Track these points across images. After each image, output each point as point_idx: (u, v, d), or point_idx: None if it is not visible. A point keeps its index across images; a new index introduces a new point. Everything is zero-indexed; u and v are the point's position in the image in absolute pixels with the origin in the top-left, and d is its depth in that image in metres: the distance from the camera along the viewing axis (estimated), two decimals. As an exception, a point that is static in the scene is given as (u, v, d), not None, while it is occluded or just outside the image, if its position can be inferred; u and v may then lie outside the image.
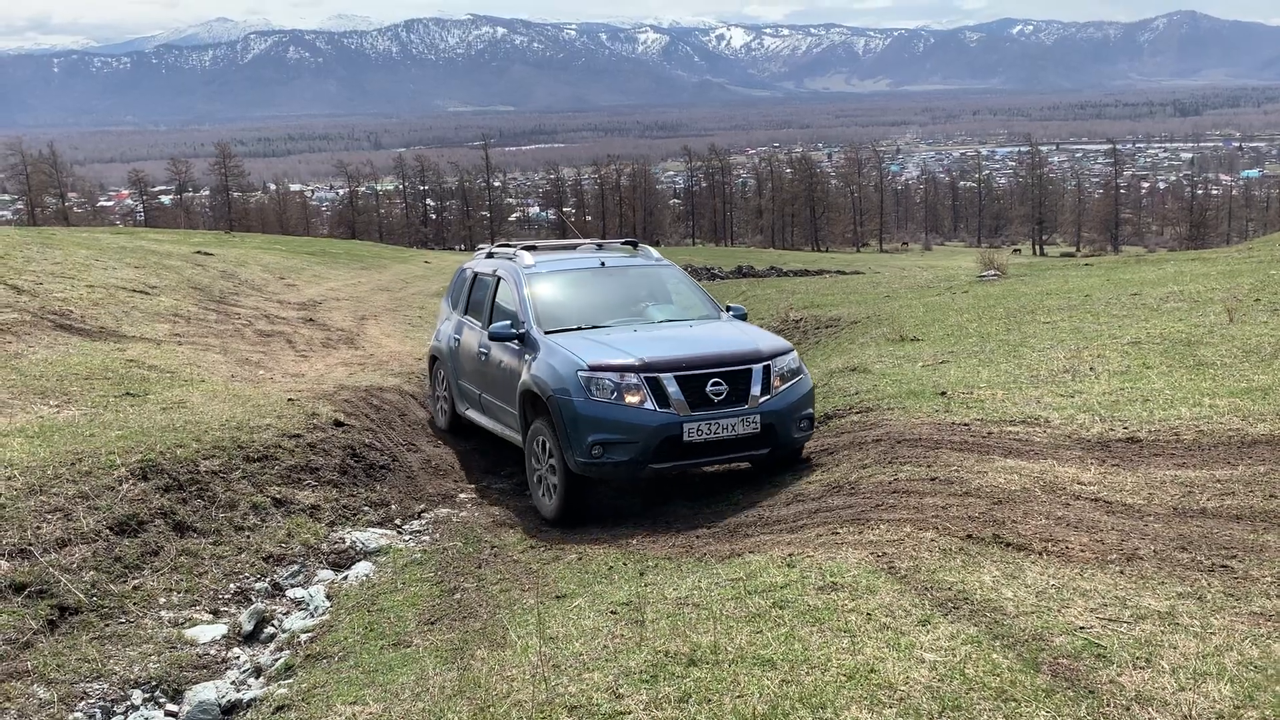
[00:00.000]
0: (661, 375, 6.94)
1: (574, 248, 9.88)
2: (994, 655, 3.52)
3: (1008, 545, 4.74)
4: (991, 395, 8.47)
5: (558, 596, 5.54)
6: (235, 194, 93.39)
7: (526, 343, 7.91)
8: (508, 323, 8.17)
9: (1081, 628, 3.71)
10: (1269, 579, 4.15)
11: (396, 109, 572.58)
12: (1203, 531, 4.80)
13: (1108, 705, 3.14)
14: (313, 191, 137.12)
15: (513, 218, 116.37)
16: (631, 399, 6.92)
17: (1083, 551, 4.61)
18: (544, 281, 8.56)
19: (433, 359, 10.39)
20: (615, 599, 4.94)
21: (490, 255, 9.83)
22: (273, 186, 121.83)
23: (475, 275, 9.72)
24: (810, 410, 7.57)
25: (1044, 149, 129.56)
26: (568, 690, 3.68)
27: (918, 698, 3.28)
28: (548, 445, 7.33)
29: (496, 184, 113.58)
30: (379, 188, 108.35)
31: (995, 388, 8.82)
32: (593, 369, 7.03)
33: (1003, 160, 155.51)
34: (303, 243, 37.96)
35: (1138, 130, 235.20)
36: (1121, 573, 4.35)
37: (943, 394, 8.67)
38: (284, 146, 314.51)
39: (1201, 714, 3.04)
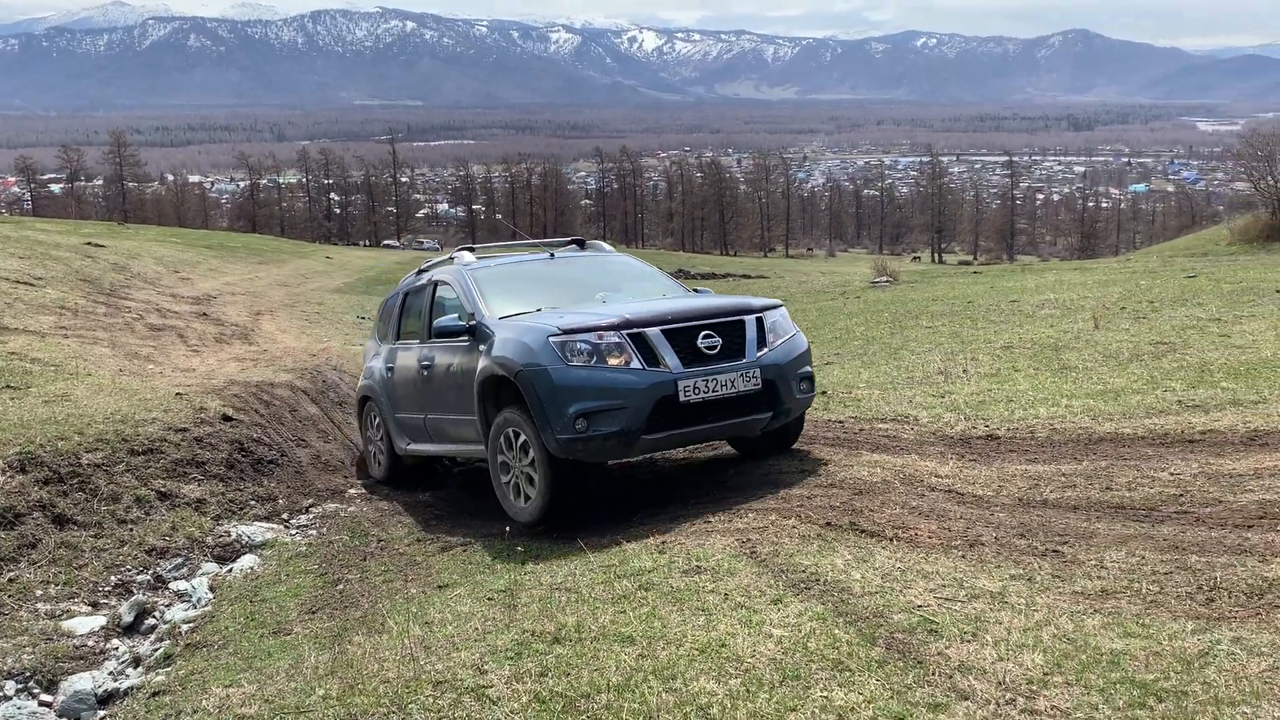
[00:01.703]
0: (646, 330, 6.09)
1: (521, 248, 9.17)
2: (836, 630, 3.79)
3: (862, 532, 5.04)
4: (869, 395, 8.86)
5: (440, 586, 5.68)
6: (130, 184, 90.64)
7: (479, 335, 6.82)
8: (454, 316, 7.11)
9: (919, 606, 4.01)
10: (1092, 562, 4.51)
11: (301, 101, 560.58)
12: (1042, 520, 5.17)
13: (933, 674, 3.42)
14: (212, 183, 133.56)
15: (420, 214, 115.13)
16: (615, 360, 6.02)
17: (930, 538, 4.94)
18: (491, 273, 7.61)
19: (363, 401, 9.25)
20: (494, 587, 5.11)
21: (421, 271, 8.66)
22: (170, 177, 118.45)
23: (406, 296, 8.58)
24: (810, 369, 6.79)
25: (945, 160, 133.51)
26: (435, 668, 3.85)
27: (762, 669, 3.52)
28: (520, 436, 6.37)
29: (404, 179, 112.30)
30: (282, 180, 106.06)
31: (873, 388, 9.23)
32: (566, 332, 6.08)
33: (905, 170, 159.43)
34: (200, 235, 37.09)
35: (1034, 143, 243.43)
36: (963, 557, 4.68)
37: (823, 393, 9.03)
38: (183, 136, 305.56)
39: (1015, 680, 3.34)
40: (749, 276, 34.19)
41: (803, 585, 4.30)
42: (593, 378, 5.97)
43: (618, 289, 7.57)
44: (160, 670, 5.17)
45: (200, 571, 6.77)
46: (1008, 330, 12.00)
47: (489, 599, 4.85)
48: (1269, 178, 24.49)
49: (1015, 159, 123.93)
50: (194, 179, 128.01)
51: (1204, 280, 15.44)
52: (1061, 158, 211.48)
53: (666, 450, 7.03)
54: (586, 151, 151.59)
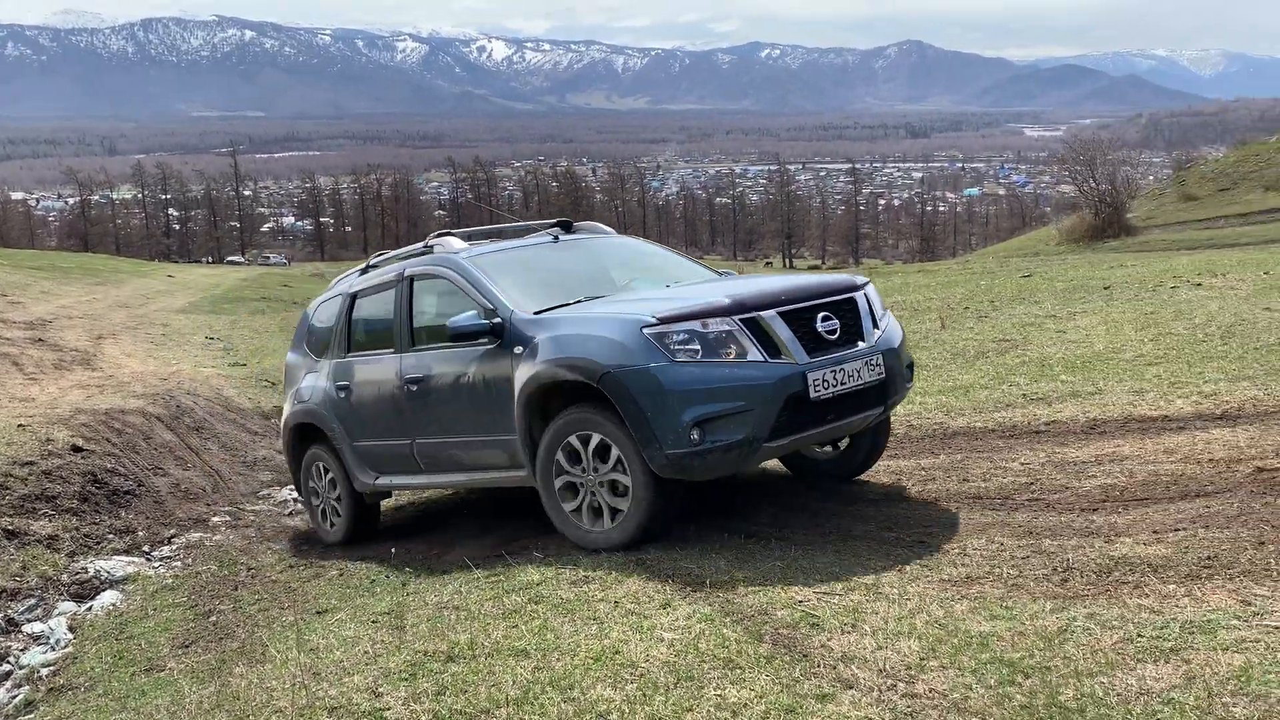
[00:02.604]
0: (762, 314, 5.06)
1: (497, 234, 7.32)
2: (724, 630, 3.92)
3: (743, 534, 5.22)
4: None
5: (319, 612, 5.58)
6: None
7: (507, 335, 5.51)
8: (473, 313, 5.63)
9: (800, 601, 4.18)
10: (956, 550, 4.79)
11: (135, 113, 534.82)
12: (906, 513, 5.45)
13: (818, 665, 3.58)
14: (38, 200, 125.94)
15: (265, 228, 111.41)
16: (728, 352, 4.96)
17: (805, 534, 5.15)
18: (500, 261, 6.21)
19: (297, 432, 7.48)
20: (377, 609, 5.05)
21: (369, 269, 7.13)
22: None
23: (355, 297, 7.04)
24: (911, 357, 6.10)
25: (792, 168, 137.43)
26: (328, 694, 3.80)
27: (656, 672, 3.62)
28: (597, 452, 5.14)
29: (247, 193, 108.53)
30: (115, 196, 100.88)
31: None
32: (664, 320, 4.95)
33: (755, 178, 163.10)
34: (28, 256, 35.01)
35: (875, 151, 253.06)
36: (838, 552, 4.90)
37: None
38: (3, 151, 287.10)
39: (894, 667, 3.53)
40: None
41: (689, 588, 4.42)
42: (710, 375, 4.89)
43: (645, 272, 6.48)
44: (23, 717, 4.91)
45: (56, 612, 6.45)
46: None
47: (374, 622, 4.80)
48: (1091, 181, 26.23)
49: (858, 166, 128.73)
50: (17, 196, 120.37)
51: (1039, 279, 16.43)
52: (901, 164, 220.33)
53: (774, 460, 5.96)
54: (438, 161, 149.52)
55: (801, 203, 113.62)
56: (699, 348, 4.91)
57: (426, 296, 6.40)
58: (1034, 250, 30.47)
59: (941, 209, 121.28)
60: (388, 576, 6.09)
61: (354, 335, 7.02)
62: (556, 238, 6.76)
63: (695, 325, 4.94)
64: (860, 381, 5.23)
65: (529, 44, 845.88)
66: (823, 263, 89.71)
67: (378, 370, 6.61)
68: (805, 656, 3.66)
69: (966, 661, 3.48)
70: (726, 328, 4.96)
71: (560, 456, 5.26)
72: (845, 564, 4.71)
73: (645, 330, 4.92)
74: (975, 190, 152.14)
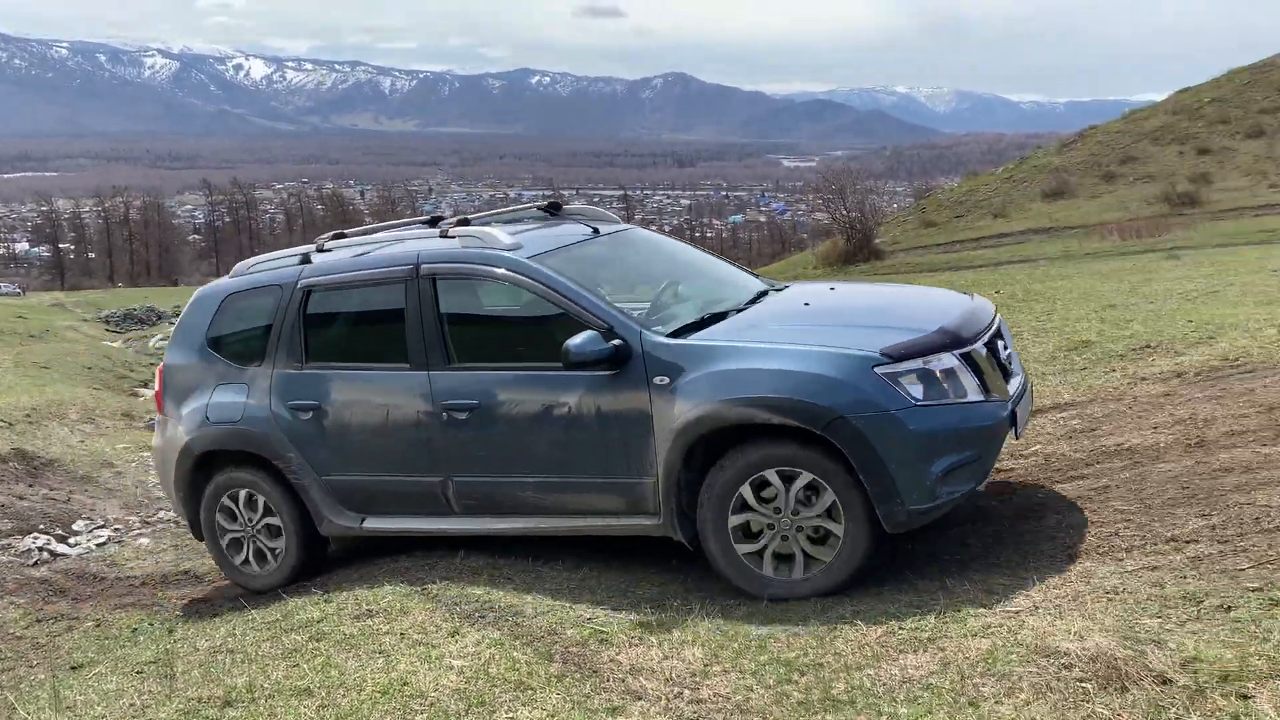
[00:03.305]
0: (973, 348, 4.63)
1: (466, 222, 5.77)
2: (514, 653, 3.93)
3: (530, 557, 5.25)
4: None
5: (73, 667, 5.19)
6: None
7: (636, 362, 4.70)
8: (593, 335, 4.68)
9: (589, 619, 4.26)
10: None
11: None
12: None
13: (608, 680, 3.67)
14: None
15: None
16: (953, 391, 4.46)
17: (594, 554, 5.24)
18: (569, 261, 5.28)
19: (200, 459, 5.93)
20: (141, 659, 4.75)
21: (319, 251, 5.85)
22: None
23: (310, 292, 5.63)
24: None
25: (567, 192, 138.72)
26: (90, 753, 3.54)
27: (446, 701, 3.59)
28: (801, 494, 4.42)
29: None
30: None
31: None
32: (894, 358, 4.39)
33: (529, 203, 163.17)
34: None
35: (645, 179, 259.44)
36: (626, 568, 5.02)
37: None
38: None
39: (680, 675, 3.66)
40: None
41: (477, 615, 4.41)
42: (949, 421, 4.38)
43: (684, 276, 5.80)
44: None
45: None
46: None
47: (139, 673, 4.51)
48: (842, 209, 27.98)
49: (630, 193, 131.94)
50: None
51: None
52: (670, 191, 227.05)
53: None
54: (193, 183, 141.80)
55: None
56: (924, 388, 4.38)
57: (466, 300, 5.39)
58: (794, 273, 32.13)
59: (709, 234, 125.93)
60: (151, 624, 5.72)
61: (313, 341, 5.66)
62: (596, 230, 5.88)
63: (919, 363, 4.42)
64: (1026, 415, 4.95)
65: (290, 63, 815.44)
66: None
67: (379, 390, 5.45)
68: (595, 672, 3.73)
69: (747, 664, 3.65)
70: (951, 364, 4.47)
71: (746, 495, 4.50)
72: (634, 579, 4.83)
73: (877, 369, 4.35)
74: (739, 217, 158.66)
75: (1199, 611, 3.47)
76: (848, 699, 3.27)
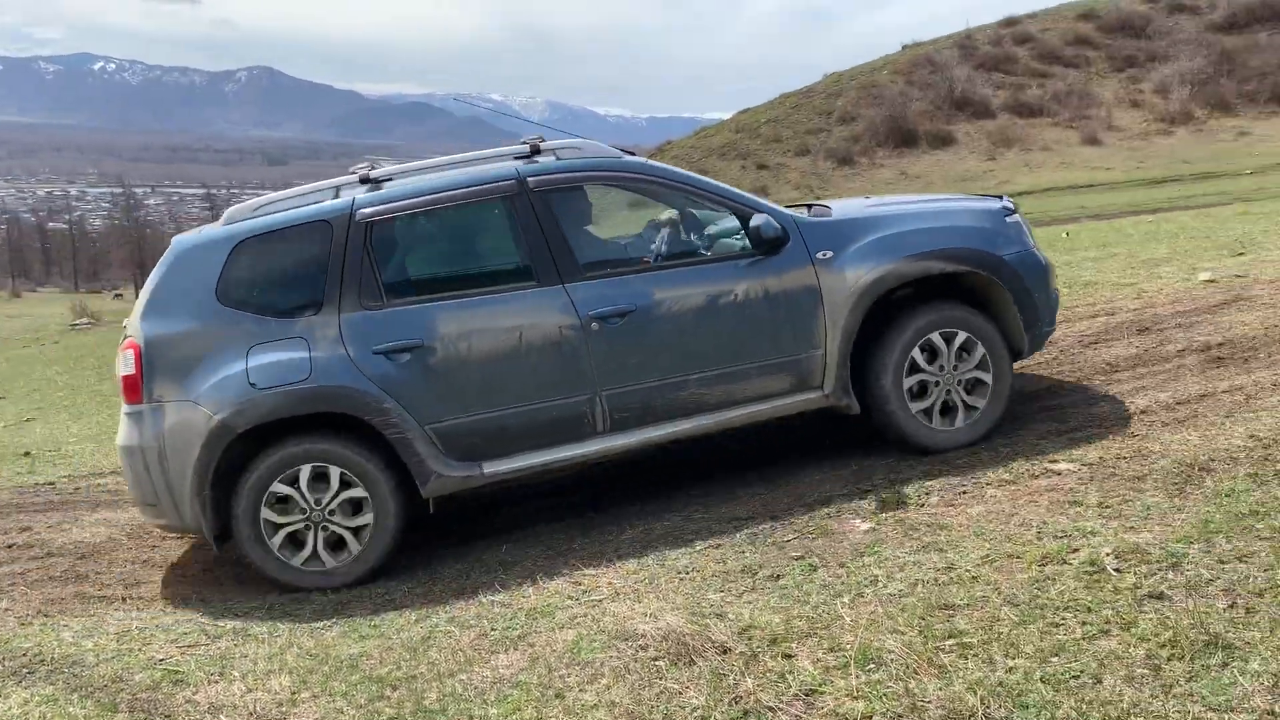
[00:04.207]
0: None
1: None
2: (71, 709, 3.52)
3: (91, 598, 4.73)
4: (82, 450, 8.20)
5: None
6: None
7: (792, 242, 5.03)
8: (765, 218, 4.96)
9: (161, 660, 3.91)
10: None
11: None
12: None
13: (184, 722, 3.39)
14: None
15: None
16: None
17: (165, 590, 4.83)
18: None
19: (235, 443, 4.75)
20: None
21: (363, 183, 5.12)
22: None
23: (372, 226, 4.93)
24: None
25: (140, 191, 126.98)
26: None
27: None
28: (960, 350, 5.16)
29: None
30: None
31: (86, 441, 8.56)
32: (1011, 209, 5.49)
33: (96, 201, 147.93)
34: None
35: (232, 176, 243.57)
36: (203, 600, 4.68)
37: (27, 454, 8.13)
38: None
39: (265, 707, 3.46)
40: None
41: (26, 670, 3.90)
42: (1042, 258, 5.45)
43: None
44: None
45: None
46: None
47: None
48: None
49: (214, 192, 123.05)
50: None
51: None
52: (260, 190, 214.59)
53: None
54: None
55: (154, 229, 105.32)
56: (1027, 231, 5.46)
57: (585, 210, 5.27)
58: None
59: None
60: None
61: (390, 277, 4.97)
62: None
63: (1019, 214, 5.49)
64: None
65: None
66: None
67: (503, 313, 4.91)
68: (168, 715, 3.44)
69: (338, 686, 3.54)
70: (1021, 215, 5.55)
71: (916, 356, 5.09)
72: (215, 611, 4.52)
73: (1008, 219, 5.35)
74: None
75: (754, 582, 3.86)
76: (439, 707, 3.27)
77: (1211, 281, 7.56)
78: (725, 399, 5.07)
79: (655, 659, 3.28)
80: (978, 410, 5.17)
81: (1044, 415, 5.38)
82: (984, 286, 5.20)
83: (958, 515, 4.15)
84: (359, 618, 4.28)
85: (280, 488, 4.72)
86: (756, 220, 4.95)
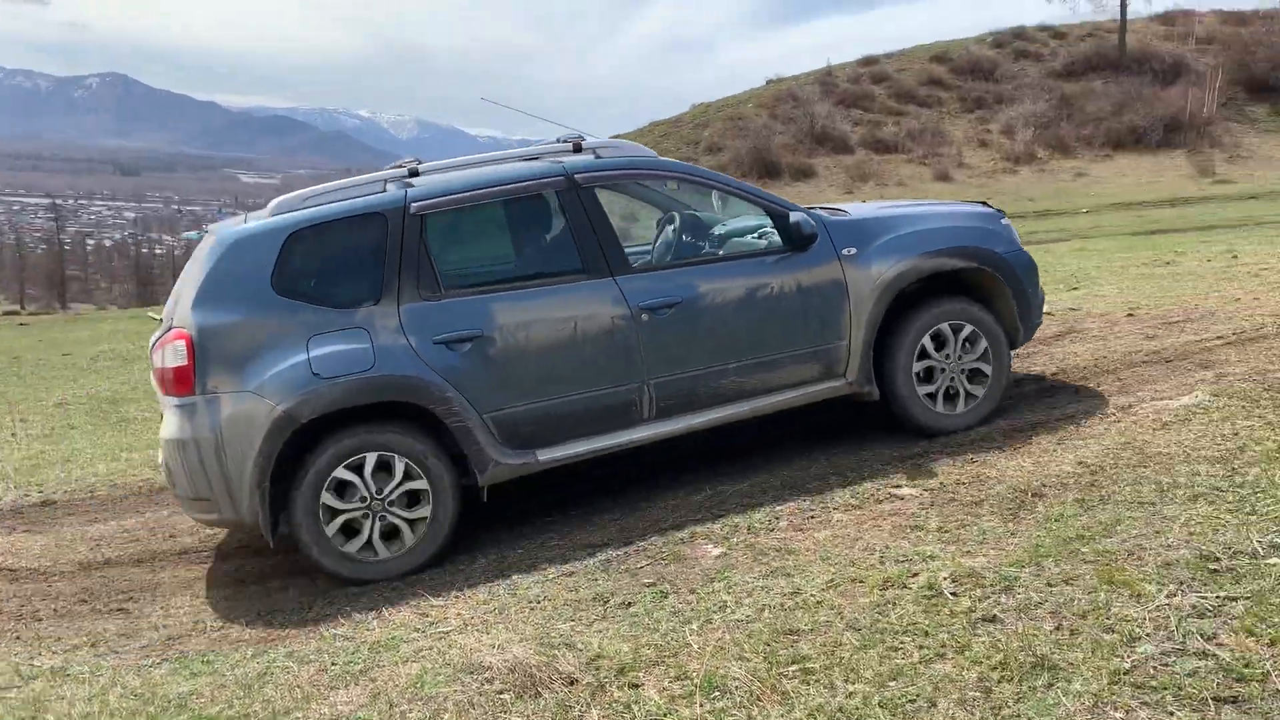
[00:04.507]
0: None
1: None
2: None
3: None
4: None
5: None
6: None
7: (819, 239, 5.39)
8: (802, 216, 5.33)
9: (-32, 707, 3.63)
10: (159, 613, 4.60)
11: None
12: (105, 581, 5.07)
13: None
14: None
15: None
16: None
17: (-20, 626, 4.49)
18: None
19: (297, 434, 4.64)
20: None
21: (412, 175, 5.20)
22: None
23: (425, 219, 4.96)
24: None
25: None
26: None
27: None
28: (966, 341, 5.58)
29: None
30: None
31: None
32: (1003, 212, 6.07)
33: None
34: None
35: (79, 186, 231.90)
36: (18, 638, 4.37)
37: None
38: None
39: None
40: None
41: None
42: (1030, 258, 5.96)
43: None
44: None
45: None
46: (61, 386, 11.34)
47: None
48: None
49: (60, 202, 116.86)
50: None
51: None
52: (111, 202, 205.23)
53: None
54: None
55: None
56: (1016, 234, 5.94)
57: (625, 206, 5.87)
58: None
59: (159, 251, 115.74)
60: None
61: (445, 268, 4.99)
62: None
63: (1007, 219, 5.99)
64: None
65: None
66: (22, 308, 79.33)
67: (558, 305, 5.02)
68: (-30, 769, 3.19)
69: (163, 728, 3.35)
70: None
71: (927, 344, 5.48)
72: (28, 650, 4.22)
73: (1003, 220, 5.87)
74: (195, 234, 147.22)
75: (605, 610, 3.82)
76: (272, 749, 3.12)
77: (1048, 314, 7.95)
78: (760, 387, 5.35)
79: (501, 692, 3.21)
80: (978, 398, 5.61)
81: (889, 440, 5.54)
82: (987, 282, 5.65)
83: (805, 540, 4.21)
84: (191, 654, 4.06)
85: (343, 474, 4.67)
86: (795, 217, 5.29)
